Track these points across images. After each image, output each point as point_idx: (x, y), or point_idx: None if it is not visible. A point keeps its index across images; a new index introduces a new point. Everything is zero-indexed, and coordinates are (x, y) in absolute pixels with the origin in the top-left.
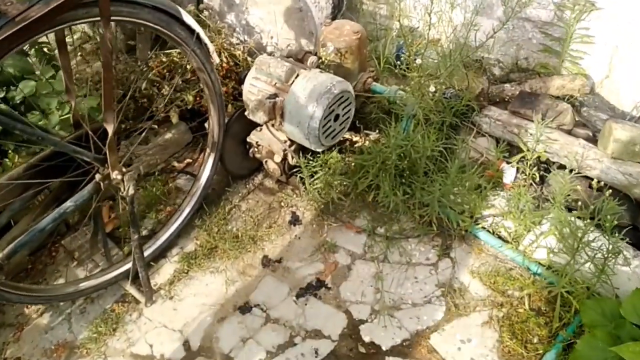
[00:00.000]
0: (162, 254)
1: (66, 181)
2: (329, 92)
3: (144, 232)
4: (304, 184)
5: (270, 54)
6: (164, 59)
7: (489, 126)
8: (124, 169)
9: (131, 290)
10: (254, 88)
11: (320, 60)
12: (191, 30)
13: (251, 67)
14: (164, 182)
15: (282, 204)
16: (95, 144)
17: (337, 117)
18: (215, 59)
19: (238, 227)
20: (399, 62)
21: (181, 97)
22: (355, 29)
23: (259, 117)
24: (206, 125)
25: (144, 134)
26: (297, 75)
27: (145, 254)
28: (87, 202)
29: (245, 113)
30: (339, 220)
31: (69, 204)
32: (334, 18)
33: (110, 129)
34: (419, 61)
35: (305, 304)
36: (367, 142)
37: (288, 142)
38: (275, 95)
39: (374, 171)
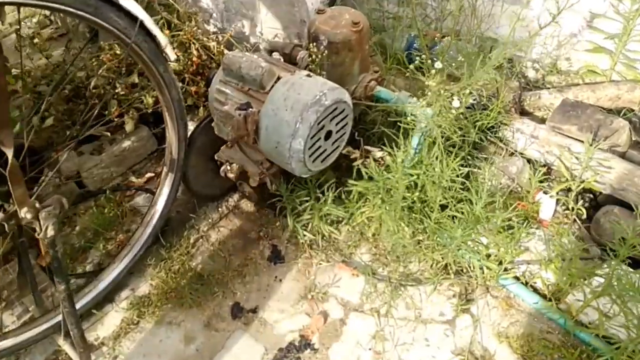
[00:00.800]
0: (108, 297)
1: None
2: (318, 104)
3: (89, 267)
4: (285, 216)
5: (254, 46)
6: (118, 51)
7: (521, 144)
8: (37, 205)
9: (65, 347)
10: (222, 95)
11: (311, 59)
12: (133, 18)
13: None
14: (118, 202)
15: (262, 234)
16: None
17: (328, 134)
18: (171, 55)
19: (204, 264)
20: (412, 63)
21: (139, 98)
22: (356, 19)
23: (227, 133)
24: None
25: (66, 148)
26: (278, 78)
27: (86, 298)
28: None
29: (213, 124)
30: (331, 257)
31: None
32: (332, 4)
33: (9, 153)
34: (438, 65)
35: None
36: (367, 161)
37: (266, 164)
38: (247, 105)
39: (375, 201)
